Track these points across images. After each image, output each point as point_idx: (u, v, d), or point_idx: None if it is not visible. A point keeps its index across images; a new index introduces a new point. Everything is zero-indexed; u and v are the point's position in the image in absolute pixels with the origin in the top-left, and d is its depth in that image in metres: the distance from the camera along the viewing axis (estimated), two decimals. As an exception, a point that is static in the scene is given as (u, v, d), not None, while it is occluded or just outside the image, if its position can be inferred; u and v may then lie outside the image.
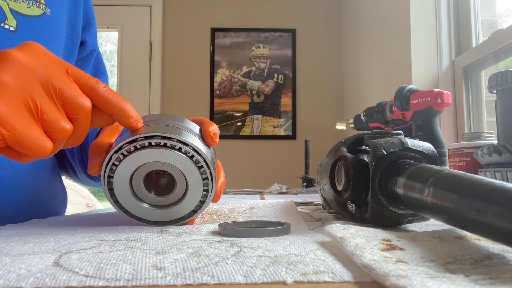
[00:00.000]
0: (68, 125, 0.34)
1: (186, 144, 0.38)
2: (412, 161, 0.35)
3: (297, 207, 0.55)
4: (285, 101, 2.75)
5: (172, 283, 0.20)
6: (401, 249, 0.25)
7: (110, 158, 0.38)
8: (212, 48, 2.77)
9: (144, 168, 0.39)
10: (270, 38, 2.78)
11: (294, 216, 0.46)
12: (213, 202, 0.42)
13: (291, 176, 2.12)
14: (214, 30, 2.77)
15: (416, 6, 1.59)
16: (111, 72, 3.00)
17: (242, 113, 2.74)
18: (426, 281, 0.18)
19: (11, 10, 0.53)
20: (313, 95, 2.76)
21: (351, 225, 0.30)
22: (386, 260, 0.22)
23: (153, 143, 0.37)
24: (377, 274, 0.20)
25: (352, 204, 0.39)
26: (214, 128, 0.41)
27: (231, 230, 0.34)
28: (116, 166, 0.38)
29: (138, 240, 0.31)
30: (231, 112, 2.74)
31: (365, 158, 0.40)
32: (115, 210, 0.40)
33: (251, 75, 2.76)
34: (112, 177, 0.38)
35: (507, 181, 0.32)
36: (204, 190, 0.40)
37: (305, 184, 1.44)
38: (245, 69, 2.77)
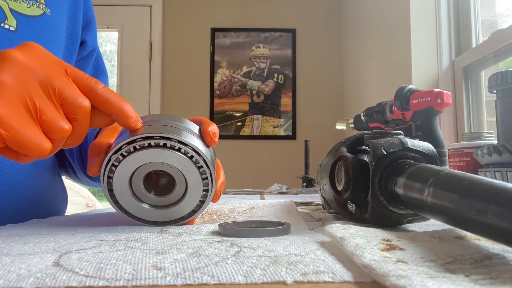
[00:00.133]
0: (67, 125, 0.34)
1: (185, 144, 0.38)
2: (412, 161, 0.35)
3: (297, 207, 0.55)
4: (285, 101, 2.75)
5: (172, 283, 0.20)
6: (401, 249, 0.25)
7: (110, 159, 0.38)
8: (212, 48, 2.77)
9: (143, 169, 0.39)
10: (270, 38, 2.78)
11: (294, 216, 0.46)
12: (213, 202, 0.42)
13: (291, 176, 2.12)
14: (214, 30, 2.77)
15: (416, 6, 1.59)
16: (111, 72, 3.00)
17: (242, 113, 2.74)
18: (426, 281, 0.18)
19: (11, 10, 0.53)
20: (313, 95, 2.76)
21: (351, 225, 0.30)
22: (386, 260, 0.22)
23: (152, 144, 0.37)
24: (377, 274, 0.20)
25: (352, 204, 0.39)
26: (213, 128, 0.41)
27: (231, 230, 0.34)
28: (116, 166, 0.38)
29: (138, 240, 0.31)
30: (231, 112, 2.74)
31: (365, 158, 0.40)
32: (115, 210, 0.40)
33: (251, 75, 2.76)
34: (111, 177, 0.38)
35: (507, 181, 0.32)
36: (204, 190, 0.40)
37: (305, 184, 1.44)
38: (245, 69, 2.77)
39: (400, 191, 0.32)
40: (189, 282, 0.21)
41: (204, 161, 0.38)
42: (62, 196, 0.70)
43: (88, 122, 0.36)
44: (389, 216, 0.36)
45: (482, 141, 0.72)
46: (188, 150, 0.38)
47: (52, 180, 0.67)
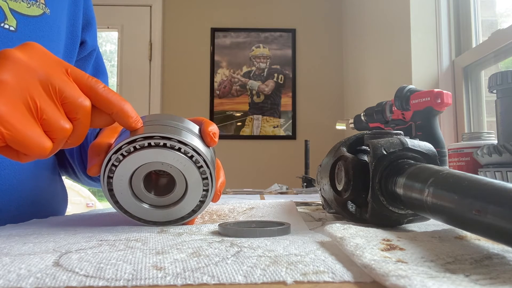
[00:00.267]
0: (67, 125, 0.34)
1: (185, 144, 0.38)
2: (412, 161, 0.35)
3: (297, 207, 0.55)
4: (285, 101, 2.75)
5: (172, 283, 0.20)
6: (401, 249, 0.25)
7: (110, 159, 0.38)
8: (212, 48, 2.77)
9: (143, 169, 0.39)
10: (270, 38, 2.78)
11: (294, 216, 0.46)
12: (213, 202, 0.42)
13: (291, 176, 2.12)
14: (214, 30, 2.77)
15: (416, 6, 1.59)
16: (111, 72, 3.00)
17: (242, 113, 2.74)
18: (426, 281, 0.18)
19: (11, 10, 0.53)
20: (313, 95, 2.76)
21: (351, 225, 0.30)
22: (386, 260, 0.22)
23: (152, 144, 0.37)
24: (377, 274, 0.20)
25: (352, 204, 0.39)
26: (213, 128, 0.41)
27: (231, 230, 0.34)
28: (116, 166, 0.38)
29: (138, 240, 0.31)
30: (231, 112, 2.74)
31: (365, 158, 0.40)
32: (115, 210, 0.40)
33: (251, 75, 2.76)
34: (111, 177, 0.38)
35: (507, 181, 0.32)
36: (204, 190, 0.40)
37: (305, 184, 1.44)
38: (245, 69, 2.77)
39: (400, 191, 0.32)
40: (189, 282, 0.21)
41: (204, 161, 0.38)
42: (62, 196, 0.70)
43: (88, 122, 0.36)
44: (389, 216, 0.36)
45: (482, 141, 0.72)
46: (188, 150, 0.38)
47: (52, 180, 0.67)
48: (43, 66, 0.34)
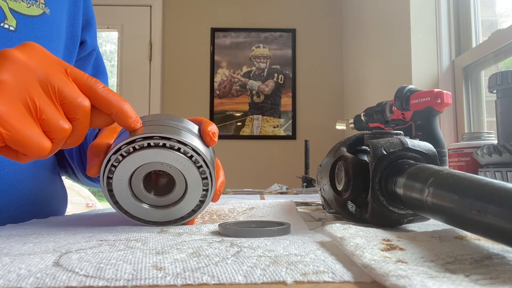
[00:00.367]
0: (67, 125, 0.34)
1: (185, 144, 0.38)
2: (412, 161, 0.35)
3: (297, 207, 0.55)
4: (285, 101, 2.75)
5: (172, 283, 0.20)
6: (401, 249, 0.25)
7: (109, 159, 0.37)
8: (212, 48, 2.77)
9: (143, 169, 0.39)
10: (270, 38, 2.78)
11: (294, 216, 0.46)
12: (212, 202, 0.42)
13: (291, 176, 2.12)
14: (214, 30, 2.77)
15: (416, 6, 1.59)
16: (111, 72, 3.00)
17: (242, 113, 2.74)
18: (426, 281, 0.18)
19: (10, 9, 0.53)
20: (313, 95, 2.76)
21: (351, 225, 0.30)
22: (386, 260, 0.22)
23: (152, 144, 0.37)
24: (377, 274, 0.20)
25: (352, 204, 0.39)
26: (212, 128, 0.41)
27: (231, 230, 0.34)
28: (115, 167, 0.38)
29: (138, 240, 0.31)
30: (231, 112, 2.74)
31: (365, 158, 0.40)
32: (115, 211, 0.40)
33: (251, 75, 2.76)
34: (111, 178, 0.38)
35: (507, 181, 0.32)
36: (203, 190, 0.40)
37: (305, 184, 1.44)
38: (245, 69, 2.77)
39: (400, 191, 0.32)
40: (189, 282, 0.21)
41: (204, 160, 0.38)
42: (62, 196, 0.70)
43: (88, 122, 0.36)
44: (389, 216, 0.36)
45: (482, 141, 0.72)
46: (187, 150, 0.38)
47: (52, 180, 0.67)
48: (43, 66, 0.34)
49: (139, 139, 0.37)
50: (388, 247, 0.25)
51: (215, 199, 0.42)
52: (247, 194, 1.18)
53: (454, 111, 1.50)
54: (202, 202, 0.40)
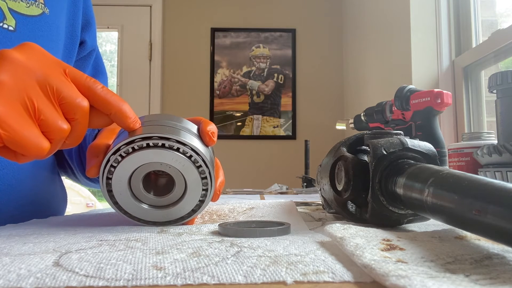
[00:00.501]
0: (65, 125, 0.34)
1: (184, 144, 0.38)
2: (412, 161, 0.35)
3: (297, 207, 0.55)
4: (285, 101, 2.75)
5: (172, 283, 0.20)
6: (401, 249, 0.25)
7: (108, 160, 0.37)
8: (212, 48, 2.77)
9: (142, 169, 0.39)
10: (270, 38, 2.78)
11: (294, 216, 0.46)
12: (212, 201, 0.42)
13: (291, 176, 2.12)
14: (214, 30, 2.77)
15: (416, 6, 1.59)
16: (111, 72, 3.00)
17: (242, 113, 2.74)
18: (426, 281, 0.18)
19: (10, 9, 0.53)
20: (313, 95, 2.77)
21: (351, 225, 0.30)
22: (386, 260, 0.22)
23: (151, 144, 0.37)
24: (377, 274, 0.20)
25: (352, 204, 0.39)
26: (212, 127, 0.41)
27: (231, 230, 0.34)
28: (115, 167, 0.38)
29: (138, 240, 0.31)
30: (231, 112, 2.74)
31: (365, 158, 0.40)
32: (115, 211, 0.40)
33: (251, 75, 2.76)
34: (110, 178, 0.38)
35: (507, 181, 0.32)
36: (203, 190, 0.40)
37: (305, 184, 1.44)
38: (245, 69, 2.77)
39: (400, 191, 0.32)
40: (189, 282, 0.21)
41: (203, 160, 0.38)
42: (61, 196, 0.70)
43: (86, 122, 0.36)
44: (389, 216, 0.35)
45: (482, 141, 0.72)
46: (186, 150, 0.38)
47: (52, 180, 0.67)
48: (41, 66, 0.34)
49: (138, 140, 0.37)
50: (388, 247, 0.25)
51: (214, 198, 0.42)
52: (247, 194, 1.18)
53: (454, 111, 1.50)
54: (201, 202, 0.40)
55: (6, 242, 0.31)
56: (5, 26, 0.52)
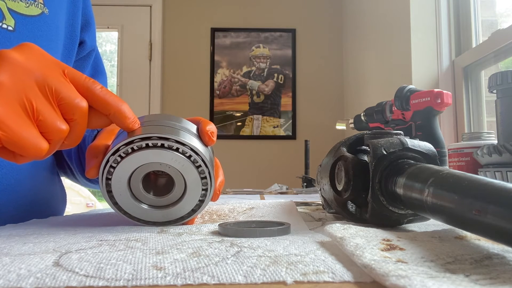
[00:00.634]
0: (64, 126, 0.34)
1: (183, 144, 0.38)
2: (412, 161, 0.35)
3: (297, 207, 0.55)
4: (285, 101, 2.75)
5: (172, 283, 0.20)
6: (401, 249, 0.25)
7: (108, 160, 0.37)
8: (212, 48, 2.77)
9: (142, 169, 0.39)
10: (270, 38, 2.78)
11: (294, 216, 0.46)
12: (212, 201, 0.42)
13: (291, 176, 2.12)
14: (214, 30, 2.77)
15: (416, 6, 1.59)
16: (111, 72, 3.00)
17: (242, 113, 2.74)
18: (426, 281, 0.18)
19: (9, 9, 0.53)
20: (313, 95, 2.77)
21: (351, 225, 0.30)
22: (386, 260, 0.22)
23: (150, 144, 0.37)
24: (377, 274, 0.20)
25: (352, 204, 0.39)
26: (211, 127, 0.41)
27: (231, 230, 0.34)
28: (114, 168, 0.38)
29: (138, 240, 0.31)
30: (231, 112, 2.74)
31: (365, 158, 0.40)
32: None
33: (251, 75, 2.76)
34: (110, 179, 0.38)
35: (507, 181, 0.32)
36: (203, 190, 0.40)
37: (305, 184, 1.44)
38: (245, 69, 2.77)
39: (400, 191, 0.32)
40: (189, 282, 0.21)
41: (203, 160, 0.38)
42: (61, 197, 0.70)
43: (85, 123, 0.36)
44: (389, 216, 0.35)
45: (482, 141, 0.72)
46: (186, 150, 0.38)
47: (51, 180, 0.67)
48: (40, 67, 0.34)
49: (137, 140, 0.37)
50: (388, 247, 0.25)
51: (214, 198, 0.42)
52: (247, 194, 1.18)
53: (454, 111, 1.50)
54: (201, 201, 0.40)
55: (6, 242, 0.31)
56: (4, 26, 0.52)
